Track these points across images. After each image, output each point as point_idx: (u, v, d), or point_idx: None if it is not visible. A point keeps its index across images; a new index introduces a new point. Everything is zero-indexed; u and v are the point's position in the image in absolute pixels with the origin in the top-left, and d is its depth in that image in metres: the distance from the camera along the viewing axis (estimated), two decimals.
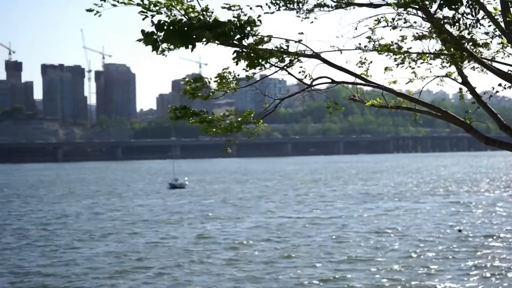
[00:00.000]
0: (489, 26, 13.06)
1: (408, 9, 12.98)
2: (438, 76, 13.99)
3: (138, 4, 11.61)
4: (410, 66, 13.76)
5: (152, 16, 11.61)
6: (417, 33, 13.42)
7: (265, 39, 12.18)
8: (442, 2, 12.91)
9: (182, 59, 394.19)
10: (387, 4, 12.95)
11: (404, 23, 13.23)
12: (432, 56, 13.53)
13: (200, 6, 11.68)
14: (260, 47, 12.13)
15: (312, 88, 13.05)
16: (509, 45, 12.89)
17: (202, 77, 12.65)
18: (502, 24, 12.62)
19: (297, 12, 13.13)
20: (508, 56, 13.41)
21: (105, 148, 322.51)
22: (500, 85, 13.25)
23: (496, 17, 12.74)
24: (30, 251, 35.97)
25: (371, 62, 13.60)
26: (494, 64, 13.38)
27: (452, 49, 12.58)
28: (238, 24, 11.78)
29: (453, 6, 12.92)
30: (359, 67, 13.56)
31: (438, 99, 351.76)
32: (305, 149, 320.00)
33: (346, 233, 39.43)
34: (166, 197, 74.67)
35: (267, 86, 13.10)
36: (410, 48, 13.48)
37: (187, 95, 12.60)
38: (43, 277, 28.52)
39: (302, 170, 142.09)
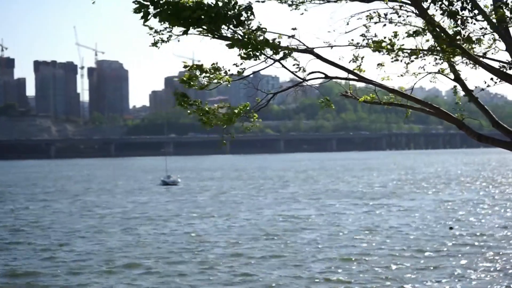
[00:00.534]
0: (482, 21, 13.06)
1: (401, 4, 12.96)
2: (430, 73, 13.99)
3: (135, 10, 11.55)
4: (405, 62, 13.73)
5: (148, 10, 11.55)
6: (409, 29, 13.41)
7: (260, 31, 12.12)
8: None
9: (175, 56, 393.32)
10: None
11: (398, 17, 13.18)
12: (425, 52, 13.52)
13: None
14: (256, 37, 12.07)
15: (305, 83, 13.02)
16: (500, 41, 12.90)
17: (202, 66, 12.56)
18: (494, 20, 12.62)
19: (289, 4, 13.08)
20: (498, 52, 13.42)
21: (98, 145, 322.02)
22: (492, 79, 13.25)
23: (487, 13, 12.74)
24: (18, 249, 35.68)
25: (363, 57, 13.56)
26: (486, 60, 13.39)
27: (444, 46, 12.57)
28: (235, 9, 11.71)
29: (446, 2, 12.90)
30: (353, 63, 13.54)
31: (431, 96, 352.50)
32: (298, 146, 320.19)
33: (336, 231, 39.29)
34: (157, 194, 74.55)
35: (260, 81, 13.08)
36: (403, 45, 13.47)
37: (183, 84, 12.53)
38: (32, 276, 28.23)
39: (294, 167, 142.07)
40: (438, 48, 13.00)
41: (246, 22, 11.90)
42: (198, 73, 12.48)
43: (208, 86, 12.69)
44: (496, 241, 34.03)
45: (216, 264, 29.55)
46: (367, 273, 26.74)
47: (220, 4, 11.67)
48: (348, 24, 12.97)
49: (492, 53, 13.50)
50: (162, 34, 11.99)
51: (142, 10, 11.50)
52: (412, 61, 13.70)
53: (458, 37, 12.68)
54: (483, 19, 12.86)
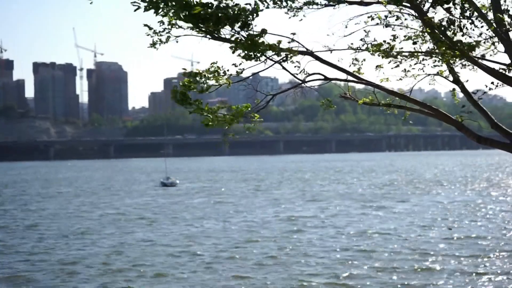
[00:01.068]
0: (482, 26, 13.07)
1: (400, 7, 12.98)
2: (429, 75, 14.01)
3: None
4: (401, 70, 13.77)
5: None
6: (408, 32, 13.44)
7: (262, 33, 12.16)
8: (434, 0, 12.92)
9: (174, 57, 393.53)
10: (378, 2, 12.95)
11: (396, 20, 13.22)
12: (423, 55, 13.55)
13: None
14: (257, 39, 12.10)
15: (305, 85, 13.05)
16: (500, 43, 12.92)
17: (200, 72, 12.58)
18: (494, 24, 12.64)
19: (287, 11, 13.11)
20: (497, 54, 13.43)
21: (97, 146, 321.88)
22: (492, 83, 13.27)
23: (488, 17, 12.76)
24: (12, 251, 35.63)
25: (364, 60, 13.60)
26: (485, 62, 13.41)
27: (443, 48, 12.59)
28: (241, 12, 11.75)
29: (446, 6, 12.92)
30: (353, 65, 13.57)
31: (430, 97, 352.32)
32: (297, 147, 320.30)
33: (333, 233, 39.19)
34: (155, 196, 74.55)
35: (259, 82, 13.09)
36: (402, 48, 13.49)
37: (183, 89, 12.55)
38: (27, 279, 28.18)
39: (293, 169, 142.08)
40: (437, 50, 13.02)
41: (250, 24, 11.96)
42: (198, 78, 12.49)
43: (208, 89, 12.71)
44: (497, 241, 34.04)
45: (211, 265, 29.46)
46: (366, 275, 26.73)
47: (230, 4, 11.73)
48: (346, 27, 13.00)
49: (491, 55, 13.52)
50: (161, 35, 12.01)
51: (153, 6, 11.54)
52: (412, 68, 13.74)
53: (458, 44, 12.68)
54: (482, 22, 12.88)
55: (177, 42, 12.14)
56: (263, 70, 12.70)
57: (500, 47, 13.10)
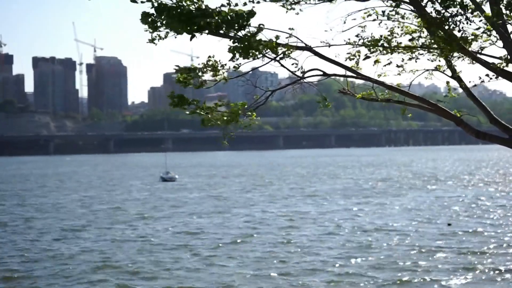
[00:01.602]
0: (480, 21, 13.07)
1: (398, 1, 12.98)
2: (427, 70, 14.02)
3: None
4: (397, 65, 13.79)
5: (142, 2, 11.61)
6: (406, 26, 13.44)
7: (258, 30, 12.16)
8: None
9: (173, 52, 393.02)
10: None
11: (394, 14, 13.22)
12: (421, 49, 13.55)
13: None
14: (254, 38, 12.11)
15: (304, 80, 13.06)
16: (498, 37, 12.91)
17: (195, 67, 12.61)
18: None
19: (283, 4, 13.10)
20: (494, 45, 13.43)
21: (97, 141, 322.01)
22: (487, 75, 13.27)
23: (485, 10, 12.75)
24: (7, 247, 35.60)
25: (359, 55, 13.60)
26: (483, 56, 13.41)
27: (441, 43, 12.59)
28: (236, 15, 11.78)
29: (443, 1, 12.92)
30: (350, 60, 13.58)
31: (430, 92, 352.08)
32: (297, 142, 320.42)
33: (333, 229, 39.02)
34: (154, 190, 74.59)
35: (258, 78, 13.10)
36: (400, 43, 13.51)
37: (180, 84, 12.59)
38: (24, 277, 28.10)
39: (293, 164, 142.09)
40: (434, 45, 13.03)
41: (246, 25, 11.99)
42: (193, 73, 12.53)
43: (204, 85, 12.73)
44: (496, 237, 34.05)
45: (206, 262, 29.35)
46: (364, 271, 26.73)
47: (226, 9, 11.77)
48: (345, 23, 12.99)
49: (490, 44, 13.51)
50: (160, 31, 12.03)
51: (150, 19, 11.63)
52: (407, 61, 13.75)
53: (455, 38, 12.68)
54: (480, 16, 12.88)
55: (175, 37, 12.17)
56: (261, 66, 12.73)
57: (499, 42, 13.10)
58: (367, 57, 13.45)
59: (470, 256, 29.05)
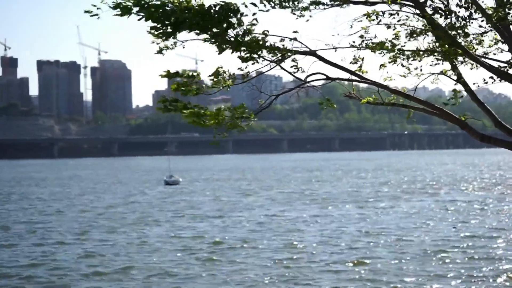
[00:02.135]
0: (482, 21, 13.07)
1: (402, 5, 12.99)
2: (433, 74, 14.02)
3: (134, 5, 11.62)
4: (402, 64, 13.79)
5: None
6: (410, 30, 13.45)
7: (260, 36, 12.17)
8: None
9: (178, 56, 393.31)
10: (383, 2, 12.96)
11: (398, 21, 13.24)
12: (426, 53, 13.56)
13: None
14: (250, 39, 12.11)
15: (308, 84, 13.06)
16: (502, 40, 12.91)
17: (191, 73, 12.59)
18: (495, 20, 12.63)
19: (292, 10, 13.13)
20: (501, 52, 13.44)
21: (101, 144, 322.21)
22: (491, 77, 13.26)
23: (488, 12, 12.75)
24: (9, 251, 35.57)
25: (363, 58, 13.61)
26: (487, 60, 13.41)
27: (445, 46, 12.59)
28: (221, 12, 11.76)
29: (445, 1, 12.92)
30: (353, 63, 13.59)
31: (435, 96, 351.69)
32: (301, 145, 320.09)
33: (338, 233, 38.90)
34: (157, 194, 74.61)
35: (263, 83, 13.12)
36: (404, 46, 13.51)
37: (178, 91, 12.60)
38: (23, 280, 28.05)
39: (297, 168, 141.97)
40: (439, 49, 13.03)
41: (237, 24, 11.96)
42: (189, 80, 12.54)
43: (203, 91, 12.72)
44: (502, 240, 33.97)
45: (203, 266, 29.29)
46: (368, 276, 26.65)
47: (208, 6, 11.77)
48: (352, 27, 13.02)
49: (495, 54, 13.52)
50: (167, 40, 12.06)
51: (123, 11, 11.64)
52: (411, 64, 13.74)
53: (456, 36, 12.68)
54: (482, 19, 12.87)
55: (183, 47, 12.21)
56: (265, 72, 12.74)
57: (502, 45, 13.10)
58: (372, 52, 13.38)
59: (475, 261, 28.97)
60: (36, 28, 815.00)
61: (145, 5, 11.56)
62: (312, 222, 44.20)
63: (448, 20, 12.93)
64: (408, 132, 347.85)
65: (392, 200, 59.10)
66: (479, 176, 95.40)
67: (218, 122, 12.70)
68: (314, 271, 27.51)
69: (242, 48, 12.03)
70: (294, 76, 12.89)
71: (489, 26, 13.01)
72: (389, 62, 13.66)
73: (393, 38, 13.36)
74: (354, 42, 13.34)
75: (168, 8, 11.55)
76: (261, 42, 12.15)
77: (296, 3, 12.99)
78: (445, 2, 12.90)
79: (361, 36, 13.31)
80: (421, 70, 13.86)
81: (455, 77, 13.85)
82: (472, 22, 12.96)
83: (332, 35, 13.00)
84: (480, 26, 13.26)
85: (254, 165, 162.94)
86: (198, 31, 11.86)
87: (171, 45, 12.13)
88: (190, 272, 27.98)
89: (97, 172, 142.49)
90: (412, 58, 13.64)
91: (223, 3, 11.75)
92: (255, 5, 11.98)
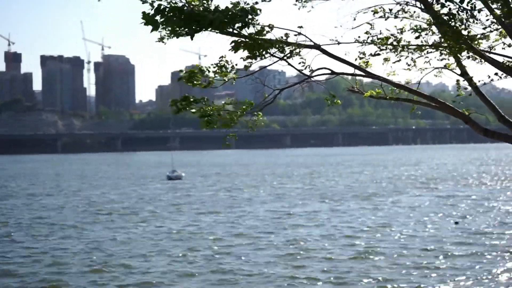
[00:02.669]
0: (487, 20, 13.03)
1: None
2: (436, 68, 14.00)
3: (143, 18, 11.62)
4: (407, 63, 13.78)
5: (153, 2, 11.64)
6: (415, 25, 13.42)
7: (266, 28, 12.17)
8: None
9: (181, 51, 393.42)
10: None
11: (404, 13, 13.21)
12: (430, 48, 13.54)
13: None
14: (260, 37, 12.13)
15: (312, 79, 13.06)
16: (507, 36, 12.88)
17: (200, 68, 12.59)
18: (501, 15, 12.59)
19: (296, 1, 13.11)
20: (509, 46, 13.40)
21: (104, 139, 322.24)
22: (496, 74, 13.24)
23: (494, 7, 12.71)
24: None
25: (370, 54, 13.60)
26: (492, 55, 13.38)
27: (450, 41, 12.57)
28: (239, 12, 11.78)
29: None
30: (360, 58, 13.58)
31: (438, 90, 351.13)
32: (305, 140, 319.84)
33: (340, 228, 38.88)
34: (160, 189, 74.70)
35: (267, 77, 13.11)
36: (409, 42, 13.49)
37: (185, 82, 12.57)
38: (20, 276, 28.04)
39: (299, 163, 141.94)
40: (444, 43, 13.01)
41: (251, 22, 11.98)
42: (201, 72, 12.52)
43: (212, 84, 12.73)
44: (505, 235, 33.97)
45: (212, 262, 29.22)
46: (369, 272, 26.64)
47: (224, 6, 11.78)
48: (355, 19, 13.00)
49: (503, 48, 13.49)
50: (160, 31, 12.05)
51: (151, 19, 11.64)
52: (418, 57, 13.73)
53: (464, 36, 12.66)
54: (487, 16, 12.84)
55: (186, 35, 12.18)
56: (269, 65, 12.74)
57: (509, 40, 13.07)
58: (376, 54, 13.44)
59: (477, 256, 28.96)
60: (40, 23, 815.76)
61: (164, 10, 11.55)
62: (313, 217, 44.18)
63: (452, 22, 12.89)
64: (412, 127, 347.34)
65: (393, 195, 59.07)
66: (483, 170, 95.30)
67: (228, 125, 12.72)
68: (315, 265, 27.53)
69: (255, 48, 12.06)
70: (300, 71, 12.89)
71: (494, 21, 12.97)
72: (394, 62, 13.64)
73: (398, 33, 13.35)
74: (359, 37, 13.33)
75: (185, 10, 11.56)
76: (272, 41, 12.16)
77: None
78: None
79: (367, 32, 13.30)
80: (430, 63, 13.84)
81: (458, 71, 13.84)
82: (476, 22, 12.91)
83: (335, 27, 12.99)
84: (484, 28, 13.22)
85: (257, 160, 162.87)
86: (217, 31, 11.87)
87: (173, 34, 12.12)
88: (191, 268, 27.99)
89: (100, 167, 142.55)
90: (417, 54, 13.62)
91: (237, 4, 11.81)
92: (256, 10, 11.98)
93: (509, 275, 25.21)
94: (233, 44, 12.13)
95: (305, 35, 12.53)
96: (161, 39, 12.15)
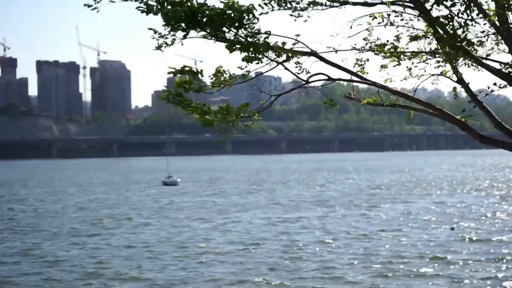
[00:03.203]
0: (484, 24, 13.05)
1: (404, 6, 12.98)
2: (433, 75, 14.02)
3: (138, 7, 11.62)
4: (407, 67, 13.80)
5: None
6: (412, 32, 13.44)
7: (263, 35, 12.18)
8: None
9: (177, 56, 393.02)
10: (382, 3, 12.95)
11: (401, 20, 13.23)
12: (427, 55, 13.56)
13: None
14: (256, 39, 12.13)
15: (308, 85, 13.07)
16: (503, 42, 12.90)
17: (191, 70, 12.56)
18: (497, 22, 12.62)
19: (292, 11, 13.12)
20: (504, 51, 13.41)
21: (100, 145, 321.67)
22: (495, 84, 13.27)
23: (490, 15, 12.73)
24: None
25: (367, 60, 13.62)
26: (489, 62, 13.40)
27: (447, 48, 12.59)
28: (236, 13, 11.79)
29: (447, 3, 12.91)
30: (357, 65, 13.60)
31: (434, 97, 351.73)
32: (301, 146, 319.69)
33: (335, 234, 38.85)
34: (155, 194, 74.60)
35: (264, 83, 13.11)
36: (407, 48, 13.51)
37: (179, 88, 12.56)
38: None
39: (294, 169, 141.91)
40: (440, 50, 13.02)
41: (248, 25, 11.98)
42: (192, 77, 12.51)
43: (205, 89, 12.71)
44: (501, 240, 33.98)
45: (205, 270, 29.07)
46: (365, 278, 26.59)
47: (222, 6, 11.77)
48: (351, 28, 13.01)
49: (498, 53, 13.52)
50: (166, 38, 12.06)
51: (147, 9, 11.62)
52: (416, 66, 13.74)
53: (458, 40, 12.68)
54: (484, 22, 12.86)
55: (182, 44, 12.20)
56: (267, 71, 12.73)
57: (504, 47, 13.09)
58: (375, 53, 13.41)
59: (473, 262, 28.95)
60: (36, 28, 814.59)
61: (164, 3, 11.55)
62: (307, 223, 44.09)
63: (450, 27, 12.90)
64: (407, 133, 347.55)
65: (389, 201, 59.06)
66: (478, 176, 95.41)
67: (225, 117, 12.68)
68: (309, 273, 27.46)
69: (250, 49, 12.05)
70: (297, 76, 12.90)
71: (490, 28, 12.99)
72: (394, 66, 13.65)
73: (394, 40, 13.36)
74: (356, 44, 13.35)
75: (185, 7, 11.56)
76: (269, 44, 12.17)
77: (293, 3, 12.97)
78: (448, 5, 12.88)
79: (365, 39, 13.31)
80: (425, 70, 13.87)
81: (455, 78, 13.85)
82: (474, 26, 12.93)
83: (331, 35, 12.99)
84: (482, 31, 13.23)
85: (252, 165, 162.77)
86: (210, 31, 11.86)
87: (170, 42, 12.13)
88: (183, 275, 27.88)
89: (94, 173, 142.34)
90: (415, 60, 13.64)
91: (241, 5, 11.84)
92: (254, 8, 11.99)
93: (506, 281, 25.19)
94: (229, 43, 12.11)
95: (302, 42, 12.54)
96: (158, 47, 12.16)
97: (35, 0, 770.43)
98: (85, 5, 11.88)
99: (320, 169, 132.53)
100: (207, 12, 11.58)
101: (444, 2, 12.49)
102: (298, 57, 12.65)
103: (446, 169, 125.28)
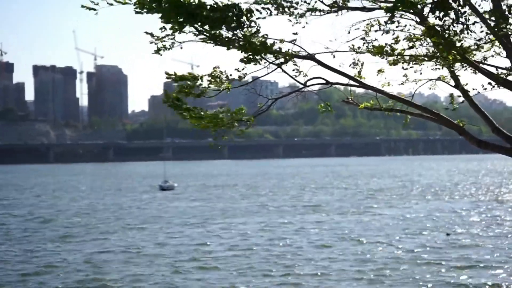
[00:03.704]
0: (481, 31, 13.04)
1: (401, 12, 12.98)
2: (431, 79, 14.01)
3: (134, 4, 11.58)
4: (403, 68, 13.77)
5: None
6: (409, 35, 13.43)
7: (259, 35, 12.17)
8: (433, 6, 12.89)
9: (174, 61, 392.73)
10: (380, 8, 12.94)
11: (397, 26, 13.22)
12: (425, 58, 13.55)
13: None
14: (257, 41, 12.12)
15: (306, 88, 13.06)
16: (501, 47, 12.90)
17: (194, 75, 12.57)
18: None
19: (289, 16, 13.11)
20: (500, 55, 13.40)
21: (97, 149, 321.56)
22: (490, 83, 13.24)
23: (487, 20, 12.72)
24: None
25: (363, 63, 13.60)
26: (486, 66, 13.40)
27: (444, 52, 12.58)
28: (235, 12, 11.78)
29: (439, 15, 12.91)
30: (353, 68, 13.58)
31: (430, 101, 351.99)
32: (297, 151, 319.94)
33: (330, 239, 38.74)
34: (152, 199, 74.51)
35: (261, 88, 13.08)
36: (404, 50, 13.49)
37: (181, 94, 12.56)
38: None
39: (291, 174, 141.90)
40: (438, 54, 13.01)
41: (246, 25, 11.97)
42: (192, 82, 12.51)
43: (205, 93, 12.70)
44: (496, 245, 33.95)
45: (198, 275, 28.90)
46: (364, 283, 26.57)
47: (221, 4, 11.76)
48: (349, 33, 13.00)
49: (493, 56, 13.50)
50: (165, 41, 12.04)
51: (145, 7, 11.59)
52: (412, 67, 13.72)
53: (458, 48, 12.67)
54: (482, 28, 12.85)
55: (181, 48, 12.18)
56: (265, 75, 12.71)
57: (501, 50, 13.08)
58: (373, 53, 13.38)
59: (468, 267, 28.91)
60: (32, 33, 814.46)
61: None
62: (303, 228, 43.96)
63: (446, 30, 12.89)
64: (404, 138, 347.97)
65: (384, 206, 59.04)
66: (475, 181, 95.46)
67: (216, 124, 12.67)
68: (304, 278, 27.40)
69: (247, 47, 12.04)
70: (295, 80, 12.89)
71: (488, 34, 12.98)
72: (390, 64, 13.63)
73: (392, 43, 13.35)
74: (353, 46, 13.33)
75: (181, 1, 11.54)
76: (267, 45, 12.16)
77: (292, 9, 12.96)
78: (445, 12, 12.87)
79: (363, 39, 13.29)
80: (420, 73, 13.86)
81: (452, 83, 13.84)
82: (470, 34, 12.91)
83: (330, 41, 12.98)
84: (478, 40, 13.22)
85: (249, 171, 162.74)
86: (208, 27, 11.82)
87: (169, 45, 12.12)
88: (180, 280, 27.83)
89: (93, 178, 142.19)
90: (412, 63, 13.62)
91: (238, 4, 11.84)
92: (252, 11, 11.99)
93: (502, 287, 25.17)
94: (226, 41, 12.09)
95: (299, 46, 12.53)
96: (157, 51, 12.13)
97: (32, 4, 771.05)
98: (82, 6, 11.83)
99: (315, 174, 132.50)
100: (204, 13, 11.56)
101: (436, 13, 12.42)
102: (291, 58, 12.63)
103: (443, 174, 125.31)
